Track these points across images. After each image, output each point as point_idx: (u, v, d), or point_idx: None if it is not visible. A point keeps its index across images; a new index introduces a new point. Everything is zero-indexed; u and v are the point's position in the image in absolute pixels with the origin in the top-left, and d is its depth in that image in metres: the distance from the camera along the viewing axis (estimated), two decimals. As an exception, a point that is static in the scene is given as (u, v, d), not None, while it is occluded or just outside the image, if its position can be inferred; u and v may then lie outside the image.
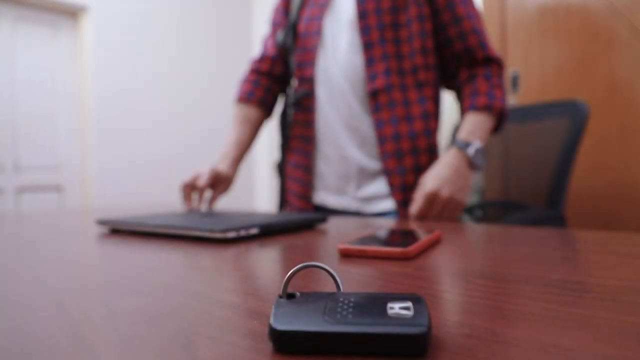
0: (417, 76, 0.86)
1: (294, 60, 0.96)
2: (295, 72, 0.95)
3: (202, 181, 0.85)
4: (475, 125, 0.83)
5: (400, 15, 0.86)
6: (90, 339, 0.18)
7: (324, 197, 0.93)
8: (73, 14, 3.10)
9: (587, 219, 1.55)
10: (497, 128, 0.89)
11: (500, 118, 0.86)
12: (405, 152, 0.85)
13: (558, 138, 1.11)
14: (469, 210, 1.28)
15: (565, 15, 1.59)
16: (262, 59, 1.03)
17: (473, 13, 0.87)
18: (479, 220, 1.31)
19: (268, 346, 0.17)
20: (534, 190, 1.16)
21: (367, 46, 0.86)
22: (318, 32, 0.91)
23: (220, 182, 0.91)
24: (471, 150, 0.80)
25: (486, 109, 0.83)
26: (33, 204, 2.95)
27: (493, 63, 0.88)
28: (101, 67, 3.08)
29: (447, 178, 0.77)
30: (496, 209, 1.28)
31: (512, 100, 1.76)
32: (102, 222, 0.57)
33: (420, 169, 0.86)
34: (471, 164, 0.81)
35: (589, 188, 1.54)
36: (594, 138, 1.54)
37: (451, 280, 0.28)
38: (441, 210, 0.77)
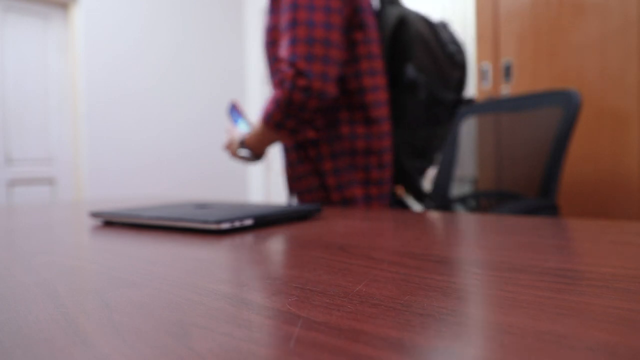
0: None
1: None
2: None
3: None
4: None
5: (272, 32, 0.89)
6: (85, 331, 0.18)
7: None
8: (63, 4, 3.06)
9: (579, 208, 1.56)
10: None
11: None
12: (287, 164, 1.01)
13: (551, 127, 1.11)
14: (463, 200, 1.28)
15: (558, 4, 1.59)
16: None
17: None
18: (472, 210, 1.31)
19: (264, 336, 0.17)
20: (526, 180, 1.17)
21: (269, 76, 0.93)
22: None
23: None
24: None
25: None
26: (25, 197, 2.93)
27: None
28: (92, 59, 3.05)
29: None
30: (489, 199, 1.28)
31: (505, 90, 1.76)
32: (95, 215, 0.57)
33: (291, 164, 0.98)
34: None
35: (582, 177, 1.55)
36: (586, 127, 1.54)
37: (445, 268, 0.28)
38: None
